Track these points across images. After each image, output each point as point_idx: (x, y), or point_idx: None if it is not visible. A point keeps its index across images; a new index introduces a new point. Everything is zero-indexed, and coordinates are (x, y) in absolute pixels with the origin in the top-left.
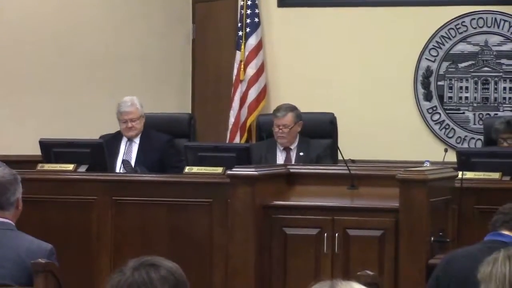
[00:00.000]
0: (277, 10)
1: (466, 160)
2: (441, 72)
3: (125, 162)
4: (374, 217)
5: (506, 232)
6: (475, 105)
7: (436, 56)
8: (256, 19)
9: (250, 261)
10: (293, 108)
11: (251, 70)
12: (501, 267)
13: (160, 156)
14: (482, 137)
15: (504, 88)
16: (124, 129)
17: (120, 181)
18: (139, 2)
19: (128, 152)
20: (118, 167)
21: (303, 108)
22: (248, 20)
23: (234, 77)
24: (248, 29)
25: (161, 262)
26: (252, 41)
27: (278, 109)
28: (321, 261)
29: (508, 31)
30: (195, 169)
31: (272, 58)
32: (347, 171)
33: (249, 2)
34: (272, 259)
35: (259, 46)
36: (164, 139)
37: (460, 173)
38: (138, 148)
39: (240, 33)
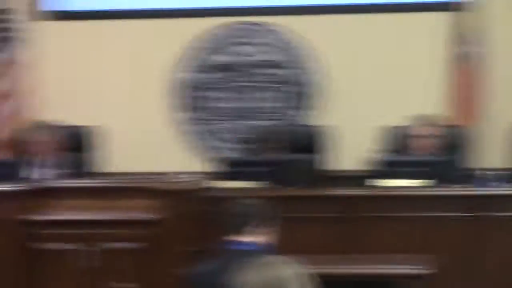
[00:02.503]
0: (42, 23)
1: (227, 170)
2: (197, 83)
3: None
4: (133, 230)
5: (247, 238)
6: (231, 115)
7: (192, 66)
8: (10, 33)
9: (5, 278)
10: (47, 126)
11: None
12: (252, 276)
13: None
14: (240, 147)
15: (259, 98)
16: None
17: None
18: None
19: None
20: None
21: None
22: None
23: None
24: None
25: None
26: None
27: (36, 127)
28: (79, 276)
29: (262, 41)
30: None
31: (39, 72)
32: (106, 185)
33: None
34: (29, 275)
35: (13, 61)
36: None
37: (217, 182)
38: None
39: None
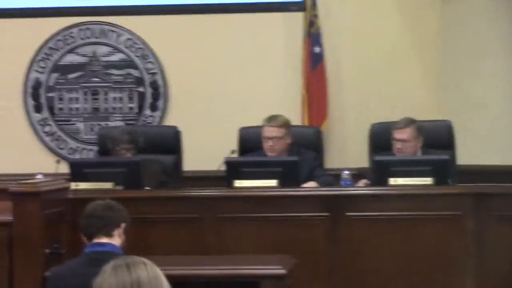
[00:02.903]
0: None
1: (79, 171)
2: (50, 84)
3: None
4: None
5: (105, 240)
6: (85, 115)
7: (45, 67)
8: None
9: None
10: None
11: None
12: (109, 278)
13: None
14: (94, 147)
15: (114, 98)
16: None
17: None
18: None
19: None
20: None
21: None
22: None
23: None
24: None
25: None
26: None
27: None
28: None
29: (115, 41)
30: None
31: None
32: None
33: None
34: None
35: None
36: None
37: (72, 184)
38: None
39: None
